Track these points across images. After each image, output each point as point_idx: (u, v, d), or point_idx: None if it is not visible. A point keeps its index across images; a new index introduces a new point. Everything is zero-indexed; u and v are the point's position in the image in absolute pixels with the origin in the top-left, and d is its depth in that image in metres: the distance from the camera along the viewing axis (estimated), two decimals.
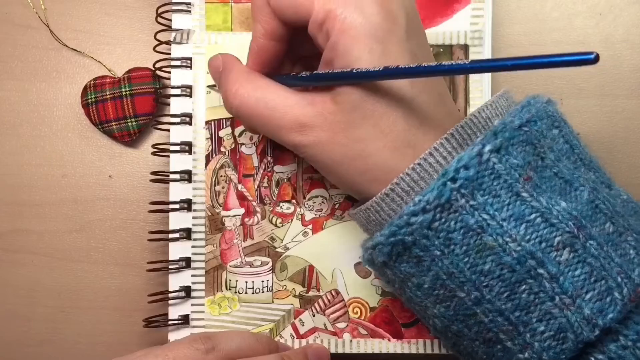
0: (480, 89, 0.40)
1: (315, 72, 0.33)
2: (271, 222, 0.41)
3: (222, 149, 0.41)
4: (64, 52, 0.44)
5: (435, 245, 0.29)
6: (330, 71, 0.31)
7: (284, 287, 0.41)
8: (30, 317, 0.43)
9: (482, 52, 0.40)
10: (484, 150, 0.28)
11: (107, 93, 0.42)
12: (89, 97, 0.43)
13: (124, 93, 0.42)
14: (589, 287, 0.28)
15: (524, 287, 0.28)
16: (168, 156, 0.41)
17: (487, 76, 0.41)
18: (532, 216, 0.28)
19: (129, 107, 0.42)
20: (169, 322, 0.40)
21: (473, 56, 0.40)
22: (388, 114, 0.31)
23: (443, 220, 0.29)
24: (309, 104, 0.32)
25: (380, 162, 0.31)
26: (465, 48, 0.41)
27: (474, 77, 0.41)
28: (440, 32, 0.41)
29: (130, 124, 0.43)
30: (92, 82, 0.43)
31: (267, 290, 0.41)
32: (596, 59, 0.23)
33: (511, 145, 0.29)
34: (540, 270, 0.28)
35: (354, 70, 0.30)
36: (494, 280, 0.29)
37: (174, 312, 0.40)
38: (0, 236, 0.43)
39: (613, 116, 0.41)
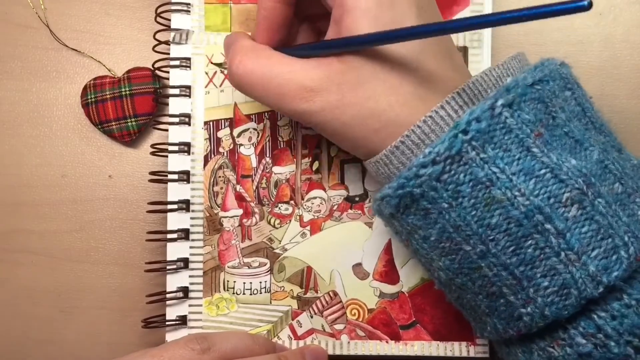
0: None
1: (321, 40, 0.32)
2: (269, 223, 0.41)
3: (221, 150, 0.41)
4: (64, 52, 0.44)
5: (443, 198, 0.29)
6: (336, 39, 0.31)
7: (282, 288, 0.41)
8: (30, 317, 0.43)
9: (481, 54, 0.40)
10: (496, 104, 0.29)
11: (107, 93, 0.43)
12: (89, 97, 0.43)
13: (123, 93, 0.42)
14: (595, 245, 0.28)
15: (530, 241, 0.29)
16: (167, 156, 0.41)
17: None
18: (542, 171, 0.28)
19: (129, 107, 0.42)
20: (167, 323, 0.40)
21: (472, 59, 0.40)
22: (396, 68, 0.31)
23: (452, 172, 0.29)
24: (314, 67, 0.32)
25: (394, 117, 0.31)
26: (464, 50, 0.40)
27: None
28: None
29: (130, 123, 0.43)
30: (92, 82, 0.43)
31: (265, 292, 0.41)
32: (589, 6, 0.23)
33: (523, 102, 0.29)
34: (548, 226, 0.28)
35: (360, 36, 0.30)
36: (501, 234, 0.29)
37: (172, 313, 0.40)
38: (0, 236, 0.43)
39: (613, 116, 0.41)
